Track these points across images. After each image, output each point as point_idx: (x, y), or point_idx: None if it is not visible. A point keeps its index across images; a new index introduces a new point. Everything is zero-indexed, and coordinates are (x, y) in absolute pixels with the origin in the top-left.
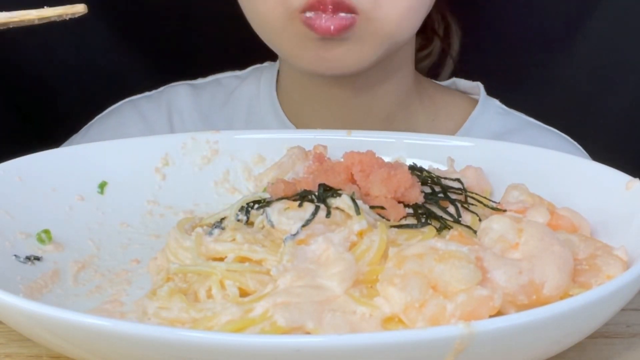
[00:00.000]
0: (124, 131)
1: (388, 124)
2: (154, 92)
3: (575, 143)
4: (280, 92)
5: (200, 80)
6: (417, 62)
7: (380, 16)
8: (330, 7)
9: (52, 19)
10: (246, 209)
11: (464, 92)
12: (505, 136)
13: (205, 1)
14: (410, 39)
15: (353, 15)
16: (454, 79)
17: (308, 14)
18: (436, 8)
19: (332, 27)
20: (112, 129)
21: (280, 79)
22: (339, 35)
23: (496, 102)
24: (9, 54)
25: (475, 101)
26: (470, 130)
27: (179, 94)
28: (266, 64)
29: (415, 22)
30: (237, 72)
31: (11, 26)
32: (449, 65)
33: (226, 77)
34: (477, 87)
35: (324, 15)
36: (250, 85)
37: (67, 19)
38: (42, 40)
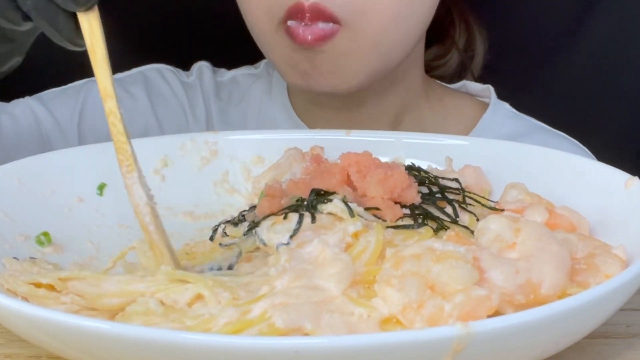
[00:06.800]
0: (156, 90)
1: (396, 126)
2: (177, 69)
3: (585, 148)
4: (291, 91)
5: (219, 78)
6: (431, 69)
7: (364, 26)
8: (307, 15)
9: None
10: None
11: (473, 95)
12: (516, 140)
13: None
14: (417, 45)
15: (334, 25)
16: (464, 82)
17: (290, 23)
18: (458, 16)
19: (309, 37)
20: (142, 82)
21: None
22: (317, 45)
23: (506, 106)
24: None
25: (485, 104)
26: (480, 134)
27: (206, 77)
28: None
29: (406, 31)
30: (253, 70)
31: None
32: (469, 79)
33: (242, 75)
34: (487, 90)
35: (302, 24)
36: (263, 82)
37: None
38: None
